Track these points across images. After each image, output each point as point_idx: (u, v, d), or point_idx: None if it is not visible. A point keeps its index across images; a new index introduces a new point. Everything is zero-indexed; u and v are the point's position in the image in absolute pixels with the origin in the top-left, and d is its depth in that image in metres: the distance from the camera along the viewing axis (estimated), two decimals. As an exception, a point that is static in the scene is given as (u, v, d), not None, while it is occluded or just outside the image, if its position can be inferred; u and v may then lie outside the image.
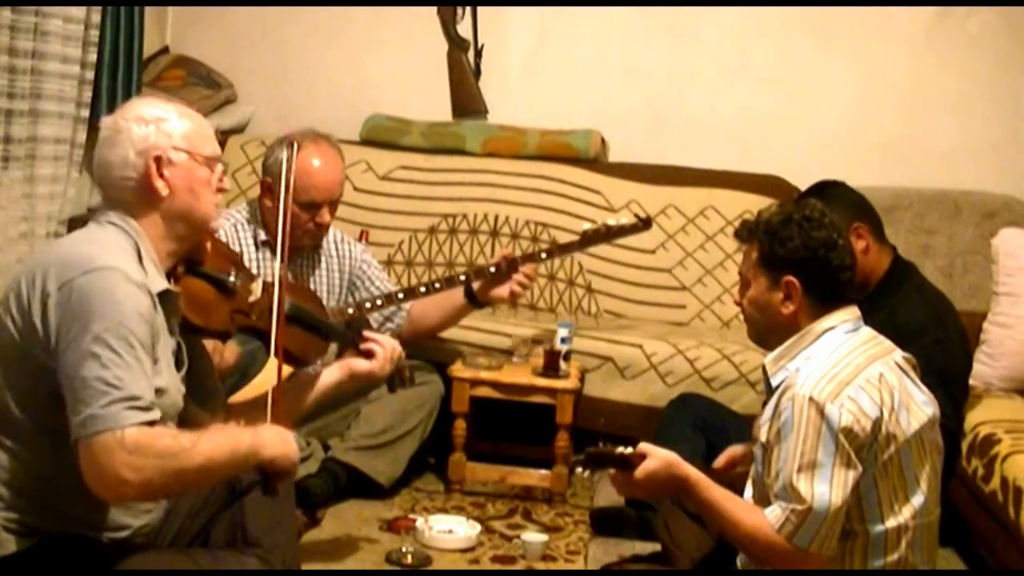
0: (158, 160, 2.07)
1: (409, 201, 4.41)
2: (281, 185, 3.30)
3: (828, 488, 2.13)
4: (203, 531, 2.20)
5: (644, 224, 3.68)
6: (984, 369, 3.61)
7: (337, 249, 3.57)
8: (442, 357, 3.73)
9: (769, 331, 2.36)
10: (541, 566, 3.18)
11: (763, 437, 2.25)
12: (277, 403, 2.21)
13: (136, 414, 1.88)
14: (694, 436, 3.26)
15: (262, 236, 3.42)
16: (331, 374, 2.51)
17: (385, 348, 2.54)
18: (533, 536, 3.26)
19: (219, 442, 2.00)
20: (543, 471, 3.64)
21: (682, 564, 2.60)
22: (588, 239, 3.69)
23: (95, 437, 1.85)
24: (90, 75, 3.90)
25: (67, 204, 3.88)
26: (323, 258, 3.53)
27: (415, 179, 4.44)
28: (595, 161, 4.48)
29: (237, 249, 3.30)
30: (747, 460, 2.63)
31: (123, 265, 1.97)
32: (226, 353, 3.03)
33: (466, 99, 4.64)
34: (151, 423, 1.90)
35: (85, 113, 3.89)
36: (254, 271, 2.72)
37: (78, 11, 3.77)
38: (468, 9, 4.63)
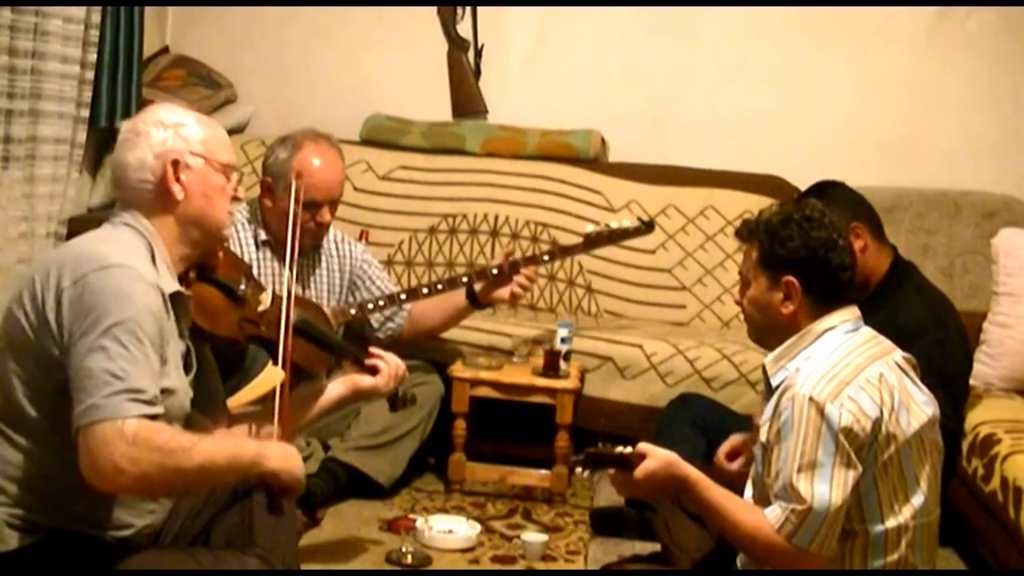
0: (175, 164, 2.10)
1: (409, 201, 4.41)
2: (281, 185, 3.36)
3: (828, 488, 2.13)
4: (204, 531, 2.19)
5: (647, 227, 3.69)
6: (984, 369, 3.61)
7: (338, 249, 3.57)
8: (442, 357, 3.73)
9: (769, 331, 2.36)
10: (541, 566, 3.18)
11: (763, 437, 2.25)
12: (283, 417, 2.22)
13: (138, 406, 1.88)
14: (694, 436, 3.26)
15: (262, 236, 3.43)
16: (335, 389, 2.54)
17: (390, 365, 2.56)
18: (533, 536, 3.26)
19: (221, 446, 2.00)
20: (543, 471, 3.64)
21: (682, 564, 2.60)
22: (591, 242, 3.70)
23: (95, 426, 1.86)
24: (90, 75, 3.90)
25: (67, 204, 3.88)
26: (323, 258, 3.54)
27: (415, 179, 4.44)
28: (595, 161, 4.48)
29: (238, 249, 3.31)
30: (748, 448, 2.64)
31: (136, 264, 1.99)
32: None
33: (466, 99, 4.63)
34: (153, 417, 1.90)
35: (85, 113, 3.90)
36: (254, 270, 2.72)
37: (78, 11, 3.77)
38: (468, 9, 4.63)
